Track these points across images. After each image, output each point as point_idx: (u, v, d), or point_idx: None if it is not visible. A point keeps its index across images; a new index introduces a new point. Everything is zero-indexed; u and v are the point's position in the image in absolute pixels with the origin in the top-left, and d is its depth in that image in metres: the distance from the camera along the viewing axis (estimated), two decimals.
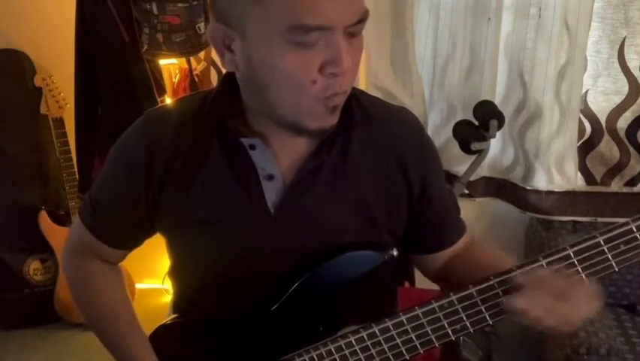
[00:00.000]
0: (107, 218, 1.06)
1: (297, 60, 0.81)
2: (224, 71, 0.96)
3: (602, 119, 2.34)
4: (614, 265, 0.78)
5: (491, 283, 0.83)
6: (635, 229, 0.77)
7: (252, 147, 0.94)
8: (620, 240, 0.78)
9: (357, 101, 0.99)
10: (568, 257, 0.79)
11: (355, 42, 0.85)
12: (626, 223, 0.78)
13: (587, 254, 0.78)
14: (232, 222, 0.98)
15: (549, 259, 0.80)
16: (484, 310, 0.84)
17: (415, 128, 1.05)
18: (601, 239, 0.78)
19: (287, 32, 0.79)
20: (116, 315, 1.11)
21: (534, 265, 0.80)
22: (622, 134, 2.32)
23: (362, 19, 0.83)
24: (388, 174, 0.99)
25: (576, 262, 0.79)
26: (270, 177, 0.96)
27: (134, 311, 1.13)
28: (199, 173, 0.97)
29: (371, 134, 0.99)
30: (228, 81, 0.97)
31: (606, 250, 0.78)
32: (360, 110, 0.99)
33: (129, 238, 1.10)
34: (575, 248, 0.79)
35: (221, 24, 0.85)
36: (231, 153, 0.96)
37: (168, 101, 2.44)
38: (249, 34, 0.83)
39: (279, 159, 0.96)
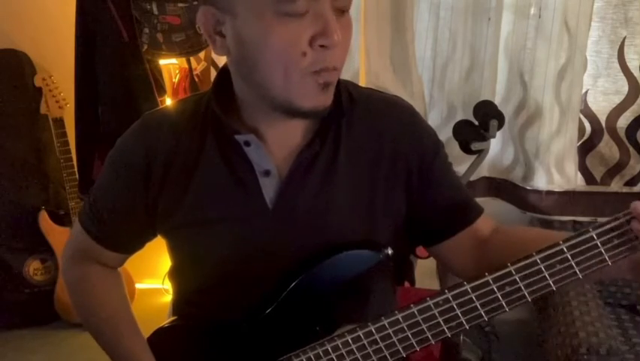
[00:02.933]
0: (107, 222, 1.06)
1: (286, 32, 0.83)
2: None
3: (602, 119, 2.34)
4: (607, 259, 0.79)
5: (486, 279, 0.83)
6: (627, 223, 0.78)
7: (247, 143, 0.94)
8: (613, 233, 0.78)
9: (347, 91, 0.99)
10: (561, 252, 0.79)
11: (344, 20, 0.87)
12: (617, 218, 0.79)
13: (579, 249, 0.79)
14: (232, 221, 0.98)
15: (542, 254, 0.80)
16: (479, 306, 0.84)
17: (407, 113, 1.04)
18: (594, 233, 0.79)
19: (275, 2, 0.81)
20: (115, 319, 1.11)
21: (527, 261, 0.81)
22: (622, 134, 2.33)
23: None
24: (383, 161, 0.99)
25: (569, 257, 0.79)
26: (267, 173, 0.96)
27: (133, 315, 1.12)
28: (197, 174, 0.97)
29: (364, 122, 0.99)
30: (222, 79, 0.97)
31: (599, 244, 0.78)
32: (351, 100, 1.00)
33: (130, 242, 1.10)
34: (568, 243, 0.79)
35: (210, 7, 0.86)
36: (227, 151, 0.96)
37: (168, 101, 2.45)
38: (239, 13, 0.84)
39: (273, 154, 0.96)
